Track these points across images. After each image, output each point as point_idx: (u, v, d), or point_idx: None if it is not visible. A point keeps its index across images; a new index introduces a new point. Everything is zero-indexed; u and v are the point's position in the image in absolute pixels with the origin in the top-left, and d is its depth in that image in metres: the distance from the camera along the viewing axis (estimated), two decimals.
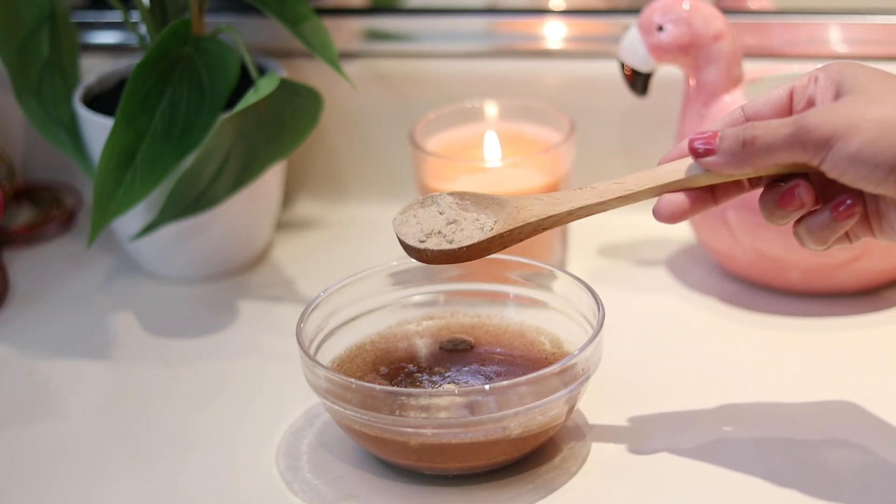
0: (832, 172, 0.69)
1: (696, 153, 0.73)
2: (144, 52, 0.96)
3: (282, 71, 1.06)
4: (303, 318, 0.83)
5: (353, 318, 0.87)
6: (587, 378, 0.79)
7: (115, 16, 1.15)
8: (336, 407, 0.79)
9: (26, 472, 0.84)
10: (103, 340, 0.98)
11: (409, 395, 0.77)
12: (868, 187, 0.69)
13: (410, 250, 0.76)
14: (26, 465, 0.85)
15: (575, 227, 1.05)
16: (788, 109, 0.74)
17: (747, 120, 0.74)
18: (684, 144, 0.74)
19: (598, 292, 0.82)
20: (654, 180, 0.75)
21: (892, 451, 0.80)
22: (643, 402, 0.86)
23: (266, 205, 1.06)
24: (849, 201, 0.71)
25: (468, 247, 0.75)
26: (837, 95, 0.71)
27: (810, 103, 0.73)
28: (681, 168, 0.74)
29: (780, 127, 0.70)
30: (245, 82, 1.00)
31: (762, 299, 0.97)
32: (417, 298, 0.89)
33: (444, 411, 0.76)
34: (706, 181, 0.74)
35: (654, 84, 0.99)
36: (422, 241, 0.76)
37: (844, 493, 0.76)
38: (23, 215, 1.16)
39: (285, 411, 0.87)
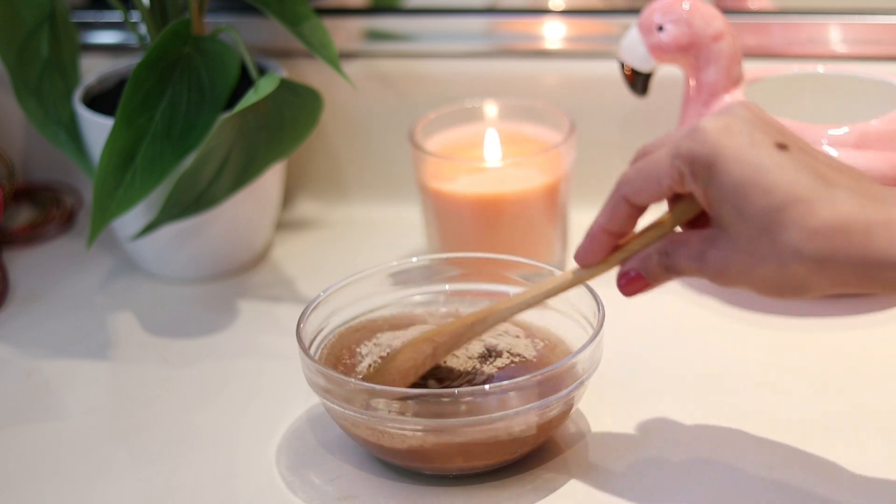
0: None
1: (628, 292, 0.76)
2: (144, 52, 0.96)
3: (282, 71, 1.06)
4: (303, 318, 0.83)
5: (353, 318, 0.87)
6: (587, 378, 0.79)
7: (115, 16, 1.15)
8: (336, 407, 0.78)
9: (26, 472, 0.84)
10: (103, 340, 0.98)
11: (408, 395, 0.77)
12: None
13: None
14: (26, 465, 0.85)
15: (575, 227, 1.05)
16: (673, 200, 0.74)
17: (631, 202, 0.74)
18: (594, 237, 0.76)
19: (598, 292, 0.82)
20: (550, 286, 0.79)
21: (892, 451, 0.80)
22: (643, 402, 0.86)
23: (266, 205, 1.06)
24: None
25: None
26: (711, 219, 0.71)
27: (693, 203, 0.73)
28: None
29: (687, 272, 0.73)
30: (245, 82, 1.00)
31: (762, 299, 0.96)
32: (417, 298, 0.89)
33: (444, 411, 0.76)
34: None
35: (654, 84, 0.99)
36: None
37: (844, 492, 0.76)
38: (23, 215, 1.16)
39: (285, 411, 0.87)
